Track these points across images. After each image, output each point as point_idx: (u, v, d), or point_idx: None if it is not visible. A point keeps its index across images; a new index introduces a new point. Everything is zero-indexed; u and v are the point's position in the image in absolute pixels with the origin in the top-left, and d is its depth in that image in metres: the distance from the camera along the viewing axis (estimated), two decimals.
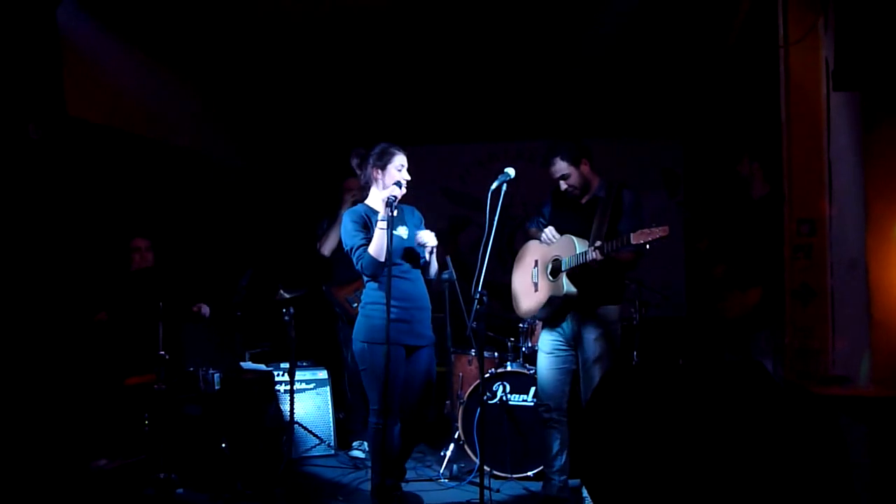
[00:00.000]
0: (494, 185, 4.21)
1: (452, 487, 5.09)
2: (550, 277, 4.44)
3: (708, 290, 4.87)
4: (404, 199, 4.27)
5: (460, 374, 5.69)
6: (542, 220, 4.68)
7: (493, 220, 4.13)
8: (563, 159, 4.41)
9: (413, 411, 4.34)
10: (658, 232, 3.88)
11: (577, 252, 4.25)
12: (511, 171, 4.23)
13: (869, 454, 3.33)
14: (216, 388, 5.09)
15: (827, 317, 3.92)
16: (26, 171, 4.80)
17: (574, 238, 4.32)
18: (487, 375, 5.30)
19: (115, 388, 5.08)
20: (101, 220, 5.47)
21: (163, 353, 4.91)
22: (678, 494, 3.80)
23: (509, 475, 5.11)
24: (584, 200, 4.52)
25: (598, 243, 4.15)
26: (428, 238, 4.20)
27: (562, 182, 4.45)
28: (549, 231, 4.44)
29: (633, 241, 3.96)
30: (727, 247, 4.83)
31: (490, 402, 5.24)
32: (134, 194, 5.83)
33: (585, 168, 4.46)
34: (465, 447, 5.31)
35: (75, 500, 4.67)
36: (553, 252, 4.45)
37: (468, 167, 7.69)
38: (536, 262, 4.55)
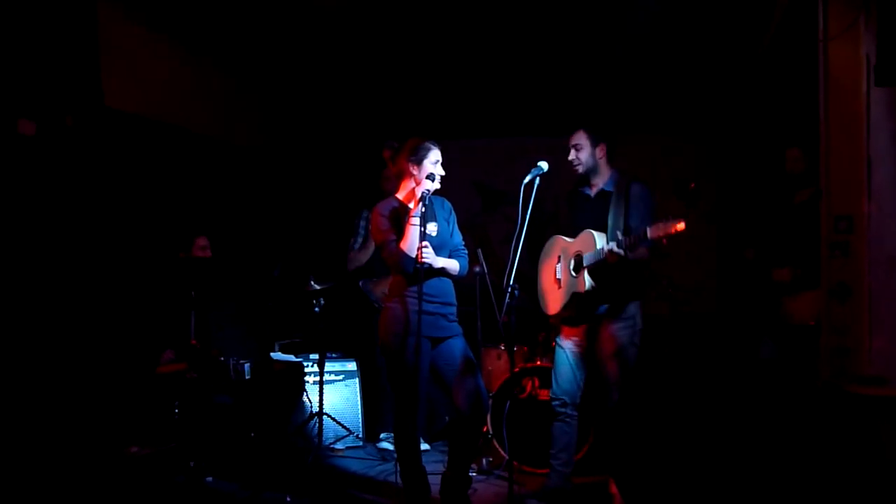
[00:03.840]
0: (528, 179, 4.19)
1: (481, 481, 5.08)
2: (573, 273, 4.43)
3: (767, 297, 4.74)
4: (435, 192, 4.24)
5: (490, 368, 5.70)
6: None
7: (526, 213, 4.12)
8: (585, 132, 4.46)
9: (472, 399, 4.13)
10: (674, 226, 3.82)
11: (598, 247, 4.23)
12: (544, 165, 4.21)
13: None
14: (247, 377, 5.11)
15: (864, 316, 3.86)
16: (64, 161, 4.87)
17: (594, 232, 4.30)
18: (517, 370, 5.28)
19: (148, 377, 5.12)
20: (136, 210, 5.50)
21: (194, 342, 4.96)
22: (713, 493, 3.79)
23: (537, 469, 5.09)
24: (593, 194, 4.51)
25: (618, 237, 4.12)
26: (427, 258, 4.07)
27: (572, 151, 4.47)
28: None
29: (650, 236, 3.92)
30: (786, 251, 4.70)
31: (519, 396, 5.23)
32: (168, 184, 5.88)
33: (600, 152, 4.46)
34: (494, 441, 5.30)
35: (108, 486, 4.72)
36: (575, 247, 4.44)
37: (499, 161, 7.65)
38: (559, 257, 4.54)
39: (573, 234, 4.48)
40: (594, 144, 4.44)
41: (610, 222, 4.30)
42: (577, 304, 4.39)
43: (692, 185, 4.18)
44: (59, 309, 4.81)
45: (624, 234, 4.13)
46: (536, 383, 5.26)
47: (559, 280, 4.50)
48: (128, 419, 5.05)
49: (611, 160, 4.51)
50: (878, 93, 3.81)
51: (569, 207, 4.64)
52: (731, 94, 6.92)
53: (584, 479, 4.78)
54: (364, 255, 5.79)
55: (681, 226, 3.81)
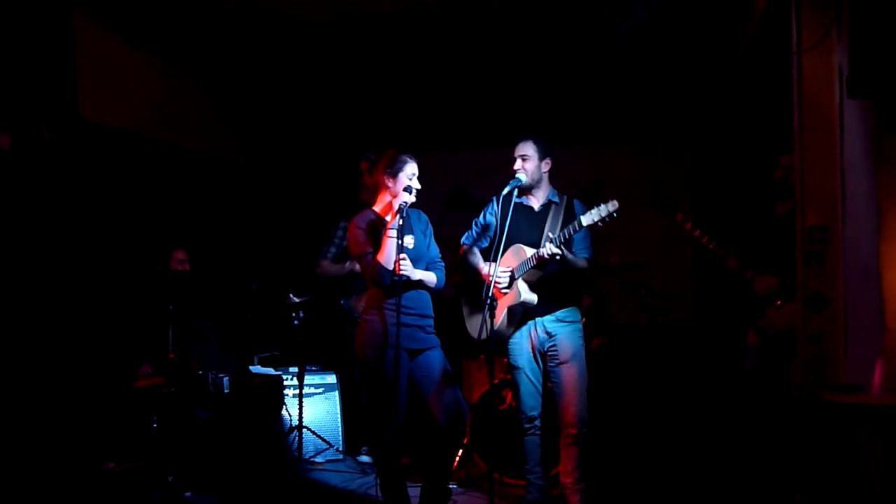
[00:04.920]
0: (506, 191, 4.21)
1: (461, 493, 5.07)
2: (505, 290, 4.41)
3: (750, 306, 4.77)
4: (413, 204, 4.23)
5: (470, 379, 5.68)
6: (480, 231, 4.59)
7: (505, 225, 4.13)
8: (534, 143, 4.40)
9: (451, 412, 4.12)
10: (608, 207, 3.87)
11: (529, 256, 4.22)
12: (523, 177, 4.23)
13: (884, 464, 3.31)
14: (225, 391, 5.08)
15: (839, 325, 3.89)
16: (40, 174, 4.84)
17: (524, 246, 4.31)
18: (496, 381, 5.27)
19: (125, 391, 5.07)
20: (112, 223, 5.47)
21: (172, 356, 4.92)
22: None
23: (518, 481, 5.07)
24: (537, 206, 4.47)
25: (549, 235, 4.12)
26: (404, 271, 4.05)
27: (518, 160, 4.40)
28: (495, 269, 4.22)
29: (584, 223, 3.97)
30: (769, 261, 4.71)
31: (499, 407, 5.22)
32: (145, 197, 5.85)
33: (546, 166, 4.44)
34: (474, 453, 5.28)
35: (84, 502, 4.66)
36: (503, 264, 4.38)
37: (479, 173, 7.62)
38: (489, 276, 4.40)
39: (507, 243, 4.32)
40: (541, 157, 4.42)
41: (546, 228, 4.32)
42: (513, 318, 4.37)
43: (663, 189, 4.19)
44: (35, 323, 4.77)
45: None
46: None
47: (487, 301, 4.26)
48: (104, 434, 5.00)
49: (552, 175, 4.50)
50: (850, 104, 3.85)
51: (502, 213, 4.39)
52: (707, 104, 6.98)
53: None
54: (334, 268, 5.76)
55: (613, 205, 3.87)
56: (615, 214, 3.88)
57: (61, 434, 4.79)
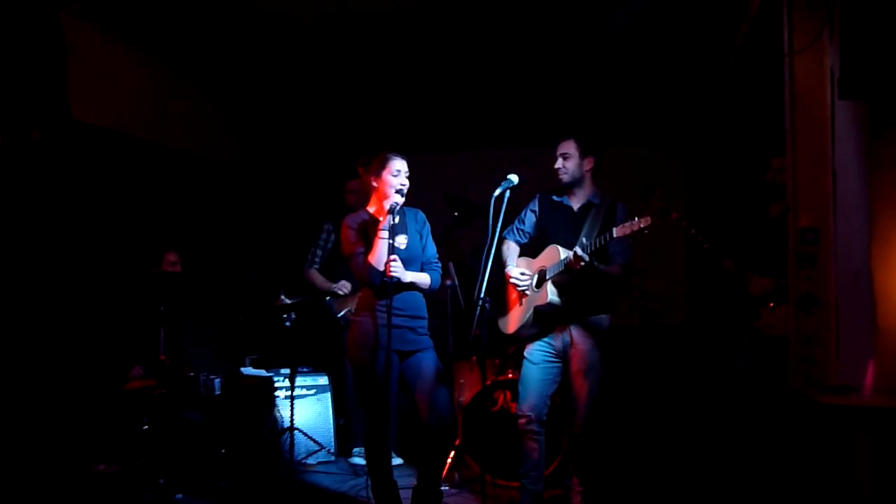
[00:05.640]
0: (498, 192, 4.17)
1: (453, 495, 5.06)
2: (535, 288, 4.36)
3: (744, 307, 4.78)
4: (408, 203, 4.22)
5: (461, 381, 5.67)
6: (522, 227, 4.60)
7: (497, 226, 4.10)
8: (576, 142, 4.38)
9: (439, 414, 4.09)
10: (640, 223, 3.84)
11: (562, 258, 4.18)
12: (514, 178, 4.19)
13: (875, 465, 3.31)
14: (217, 393, 5.06)
15: (831, 326, 3.88)
16: (32, 175, 4.82)
17: (559, 247, 4.25)
18: (488, 383, 5.27)
19: (116, 393, 5.05)
20: (104, 224, 5.44)
21: (164, 357, 4.91)
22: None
23: (511, 483, 5.04)
24: (576, 206, 4.43)
25: (583, 241, 4.10)
26: (395, 272, 4.03)
27: (559, 160, 4.38)
28: (515, 272, 4.36)
29: (616, 235, 3.92)
30: (763, 262, 4.72)
31: (491, 409, 5.20)
32: (137, 198, 5.83)
33: (588, 165, 4.39)
34: (466, 455, 5.27)
35: None
36: (538, 263, 4.37)
37: (472, 174, 7.66)
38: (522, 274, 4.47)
39: (543, 243, 4.40)
40: (583, 156, 4.38)
41: (584, 230, 4.24)
42: (540, 319, 4.33)
43: (658, 191, 4.17)
44: (26, 324, 4.74)
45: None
46: (508, 396, 5.21)
47: (520, 298, 4.45)
48: (95, 436, 4.97)
49: (594, 175, 4.46)
50: (842, 105, 3.85)
51: (541, 214, 4.51)
52: (700, 105, 6.97)
53: (554, 491, 4.75)
54: (320, 280, 5.80)
55: (646, 221, 3.82)
56: (645, 231, 3.86)
57: (52, 435, 4.75)
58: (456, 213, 6.79)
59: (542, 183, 4.61)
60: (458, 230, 6.95)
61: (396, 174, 4.17)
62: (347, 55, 6.40)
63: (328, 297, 5.80)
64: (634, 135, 7.45)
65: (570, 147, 4.39)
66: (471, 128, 7.65)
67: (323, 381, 6.02)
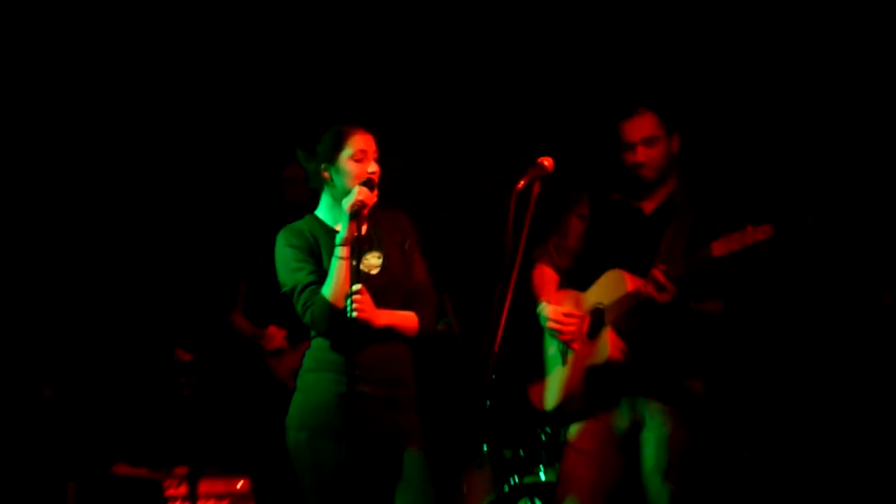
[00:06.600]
0: (522, 184, 2.84)
1: None
2: (588, 338, 3.26)
3: None
4: (382, 203, 3.07)
5: (465, 485, 4.34)
6: (563, 242, 3.43)
7: (521, 237, 2.80)
8: (656, 116, 3.19)
9: None
10: (757, 234, 2.79)
11: (631, 290, 3.05)
12: (548, 164, 2.88)
13: None
14: None
15: None
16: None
17: (625, 273, 3.12)
18: (507, 490, 4.07)
19: None
20: None
21: None
22: None
23: None
24: (650, 210, 3.27)
25: (661, 265, 2.97)
26: (361, 313, 2.90)
27: (639, 148, 3.16)
28: (554, 312, 3.26)
29: (716, 254, 2.85)
30: None
31: None
32: None
33: (675, 146, 3.23)
34: None
35: None
36: (592, 298, 3.25)
37: (475, 158, 6.67)
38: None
39: (598, 267, 3.25)
40: (669, 135, 3.21)
41: (664, 250, 3.15)
42: (592, 386, 3.21)
43: (784, 184, 3.02)
44: None
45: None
46: None
47: (563, 354, 3.34)
48: None
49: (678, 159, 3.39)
50: None
51: (594, 221, 3.37)
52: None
53: None
54: (250, 328, 4.60)
55: (765, 232, 2.78)
56: (765, 247, 2.81)
57: None
58: (443, 215, 5.47)
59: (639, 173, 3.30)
60: (455, 239, 5.64)
61: (361, 158, 3.03)
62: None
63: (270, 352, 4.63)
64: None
65: (650, 125, 3.17)
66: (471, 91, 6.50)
67: (241, 485, 4.66)
